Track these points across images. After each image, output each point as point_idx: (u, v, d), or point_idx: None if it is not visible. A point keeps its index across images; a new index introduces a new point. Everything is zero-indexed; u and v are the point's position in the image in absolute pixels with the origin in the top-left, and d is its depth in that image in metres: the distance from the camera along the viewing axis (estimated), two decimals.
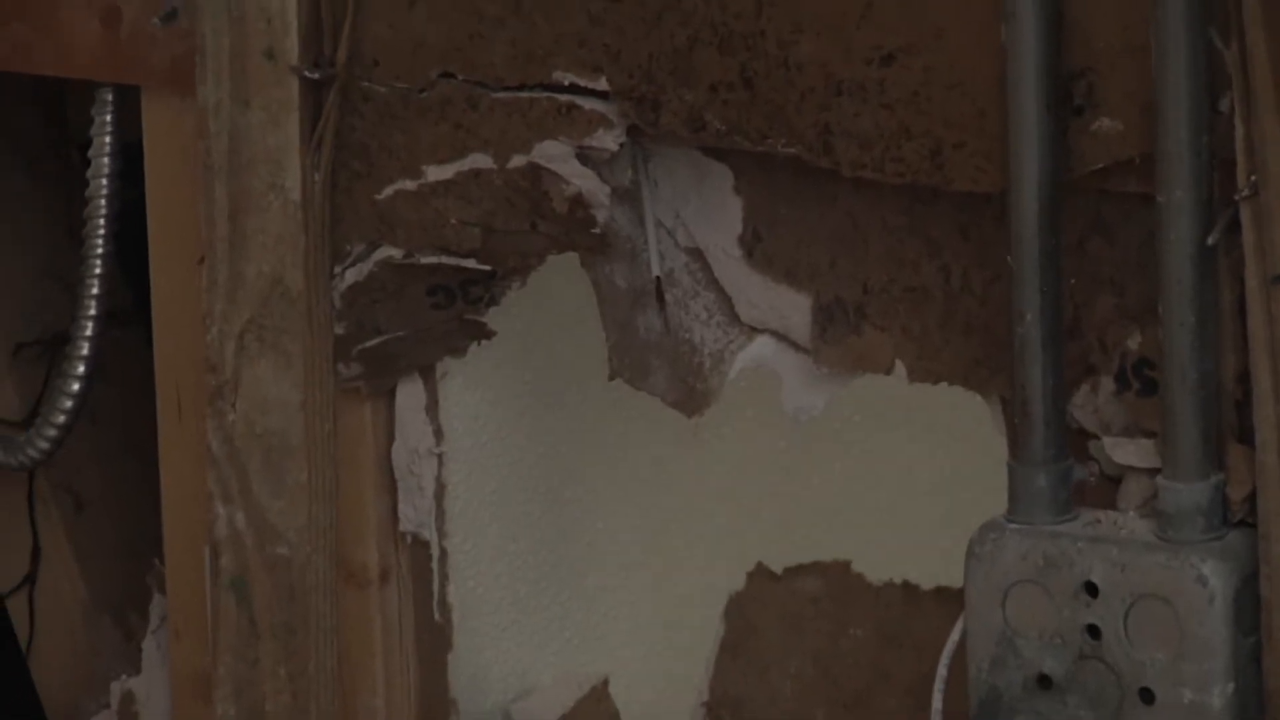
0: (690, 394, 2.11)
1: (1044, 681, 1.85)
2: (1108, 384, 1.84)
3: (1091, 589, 1.82)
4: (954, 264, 1.93)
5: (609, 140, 2.00)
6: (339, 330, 2.14)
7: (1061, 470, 1.83)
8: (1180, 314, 1.75)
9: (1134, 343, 1.83)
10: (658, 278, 2.08)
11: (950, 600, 1.96)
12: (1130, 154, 1.73)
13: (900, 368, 1.98)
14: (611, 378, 2.12)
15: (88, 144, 2.40)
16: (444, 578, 2.22)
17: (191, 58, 2.15)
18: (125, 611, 2.59)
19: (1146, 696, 1.78)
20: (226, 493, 2.22)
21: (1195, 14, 1.68)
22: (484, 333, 2.15)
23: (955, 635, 1.89)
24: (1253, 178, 1.68)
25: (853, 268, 1.99)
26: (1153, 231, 1.74)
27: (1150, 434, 1.83)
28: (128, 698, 2.54)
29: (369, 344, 2.17)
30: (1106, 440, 1.85)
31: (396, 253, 2.12)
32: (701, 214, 2.08)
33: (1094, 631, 1.80)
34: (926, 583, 2.02)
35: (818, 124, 1.89)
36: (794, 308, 2.01)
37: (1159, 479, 1.76)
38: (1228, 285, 1.74)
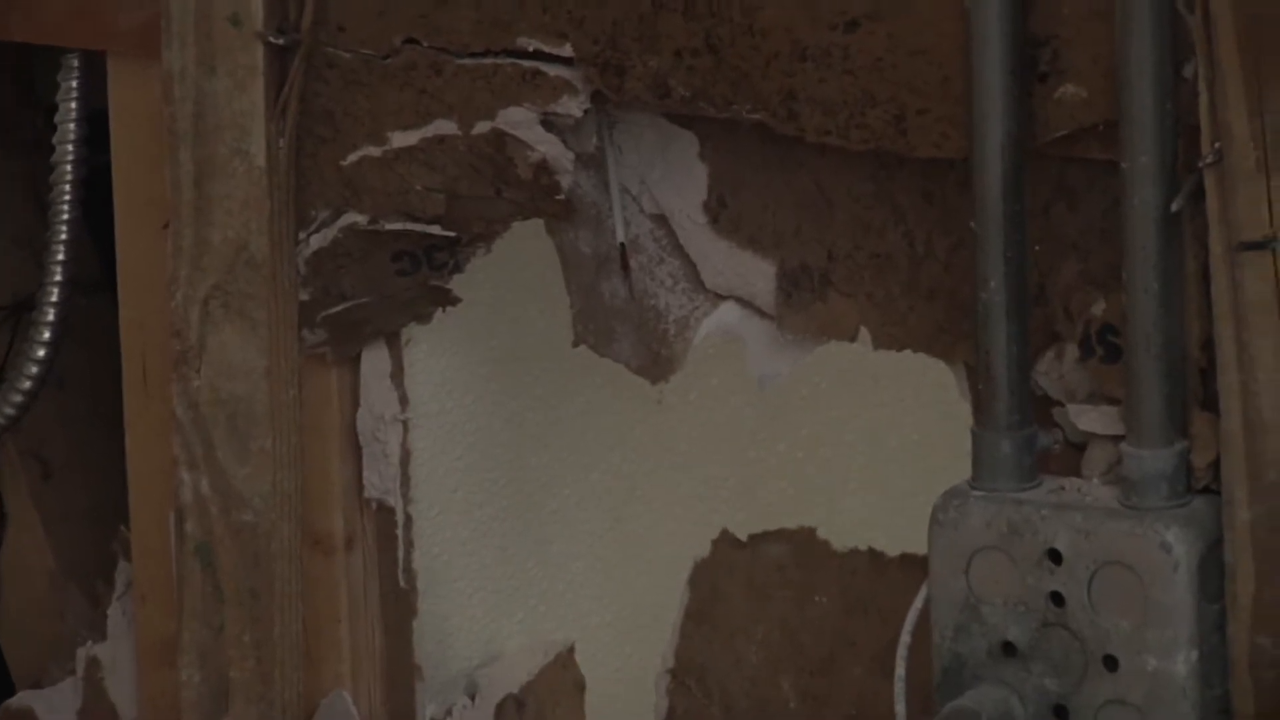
0: (655, 360, 2.12)
1: (1008, 649, 1.87)
2: (1072, 351, 1.85)
3: (1055, 556, 1.84)
4: (918, 230, 1.95)
5: (573, 106, 2.01)
6: (304, 296, 2.15)
7: (1025, 437, 1.85)
8: (1144, 281, 1.77)
9: (1098, 309, 1.84)
10: (622, 244, 2.10)
11: (914, 567, 1.96)
12: (1095, 120, 1.75)
13: (865, 334, 2.00)
14: (576, 344, 2.14)
15: (54, 110, 2.39)
16: (409, 544, 2.23)
17: (157, 23, 2.12)
18: (92, 578, 2.59)
19: (1110, 664, 1.80)
20: (191, 459, 2.22)
21: None
22: (449, 299, 2.15)
23: (919, 602, 1.91)
24: (1216, 144, 1.70)
25: (818, 234, 2.02)
26: (1117, 198, 1.76)
27: (1114, 401, 1.85)
28: (93, 664, 2.51)
29: (334, 310, 2.19)
30: (1071, 407, 1.89)
31: (361, 219, 2.13)
32: (666, 180, 2.10)
33: (1058, 599, 1.82)
34: (891, 549, 2.03)
35: (782, 90, 1.91)
36: (759, 274, 2.03)
37: (1123, 446, 1.79)
38: (1192, 252, 1.76)
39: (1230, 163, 1.76)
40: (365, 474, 2.22)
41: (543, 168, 2.07)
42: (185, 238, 2.22)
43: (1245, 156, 1.76)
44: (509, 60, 2.07)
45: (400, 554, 2.23)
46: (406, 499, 2.22)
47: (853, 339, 2.01)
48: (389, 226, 2.17)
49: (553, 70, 2.07)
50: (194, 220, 2.19)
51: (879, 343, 2.01)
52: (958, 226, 1.90)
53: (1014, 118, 1.85)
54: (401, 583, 2.25)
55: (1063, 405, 1.93)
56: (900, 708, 1.95)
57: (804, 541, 2.12)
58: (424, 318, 2.22)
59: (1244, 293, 1.78)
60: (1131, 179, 1.76)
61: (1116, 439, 1.85)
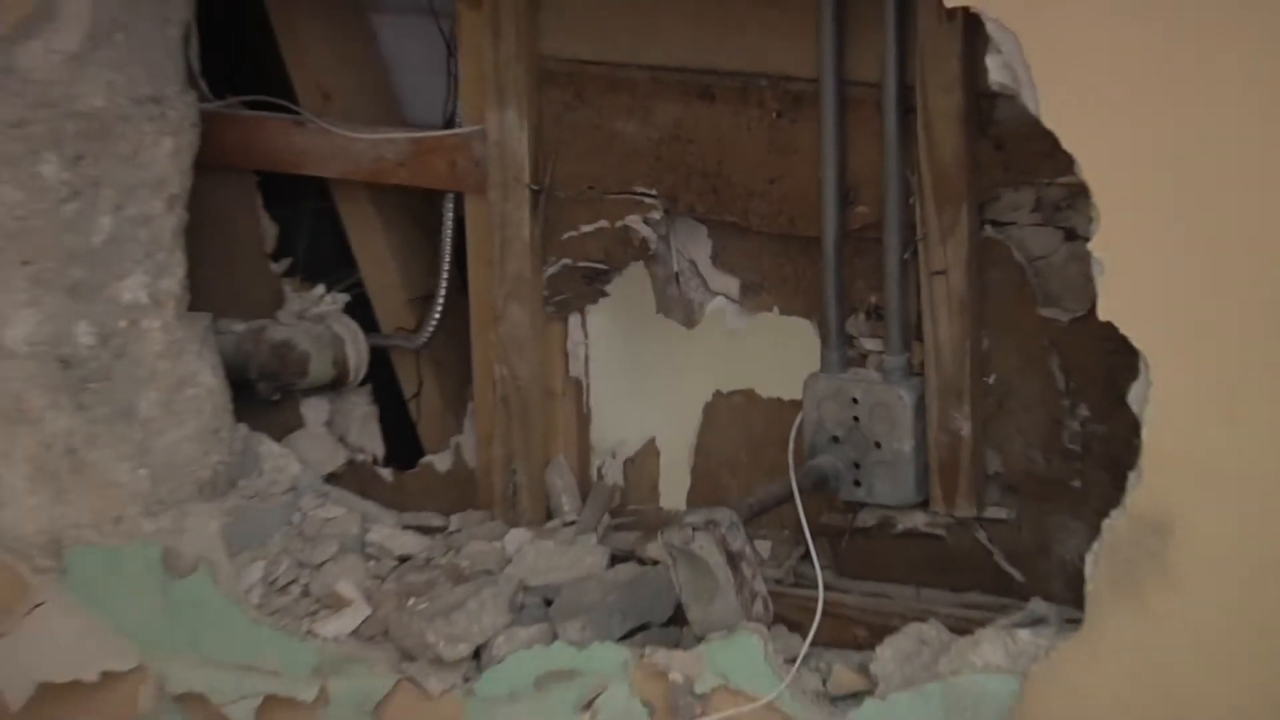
0: (688, 319, 3.02)
1: (835, 439, 2.80)
2: (862, 316, 2.83)
3: (855, 402, 2.76)
4: (799, 266, 2.89)
5: (656, 215, 2.94)
6: (545, 293, 3.07)
7: (843, 353, 2.81)
8: (892, 287, 2.73)
9: (873, 298, 2.79)
10: (676, 272, 3.02)
11: (797, 406, 2.86)
12: (872, 220, 2.70)
13: (776, 309, 2.93)
14: (657, 312, 3.05)
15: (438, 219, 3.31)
16: (587, 393, 3.18)
17: (486, 179, 3.04)
18: (459, 410, 3.39)
19: (878, 446, 2.75)
20: (500, 359, 3.10)
21: (898, 161, 2.63)
22: (604, 294, 3.08)
23: (798, 421, 2.84)
24: (923, 232, 2.66)
25: (757, 267, 2.97)
26: (882, 252, 2.73)
27: (880, 337, 2.80)
28: (458, 446, 3.36)
29: (557, 298, 3.10)
30: (861, 339, 2.82)
31: (569, 261, 3.05)
32: (693, 244, 3.00)
33: (856, 419, 2.77)
34: (786, 397, 2.94)
35: (744, 209, 2.83)
36: (732, 285, 2.96)
37: (884, 355, 2.77)
38: (913, 274, 2.72)
39: (928, 240, 2.67)
40: (570, 364, 3.12)
41: (644, 241, 2.96)
42: (499, 267, 3.09)
43: (954, 231, 2.65)
44: (629, 195, 2.96)
45: (584, 398, 3.15)
46: (586, 375, 3.13)
47: (770, 311, 2.95)
48: (580, 264, 3.06)
49: (647, 199, 2.96)
50: (501, 260, 3.07)
51: (782, 312, 2.93)
52: (815, 265, 2.83)
53: (839, 220, 2.74)
54: (585, 410, 3.20)
55: (859, 338, 2.86)
56: (790, 464, 2.82)
57: (749, 394, 3.03)
58: (594, 300, 3.11)
59: (932, 293, 2.71)
60: (887, 244, 2.67)
61: (880, 352, 2.78)
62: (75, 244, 2.88)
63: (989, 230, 2.65)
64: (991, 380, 2.71)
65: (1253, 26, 2.10)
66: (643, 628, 2.74)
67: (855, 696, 2.49)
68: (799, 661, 2.48)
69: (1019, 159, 2.60)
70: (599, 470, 3.15)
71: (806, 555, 2.73)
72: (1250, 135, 2.14)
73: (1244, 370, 2.16)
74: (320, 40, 3.33)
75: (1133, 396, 2.19)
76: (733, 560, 2.57)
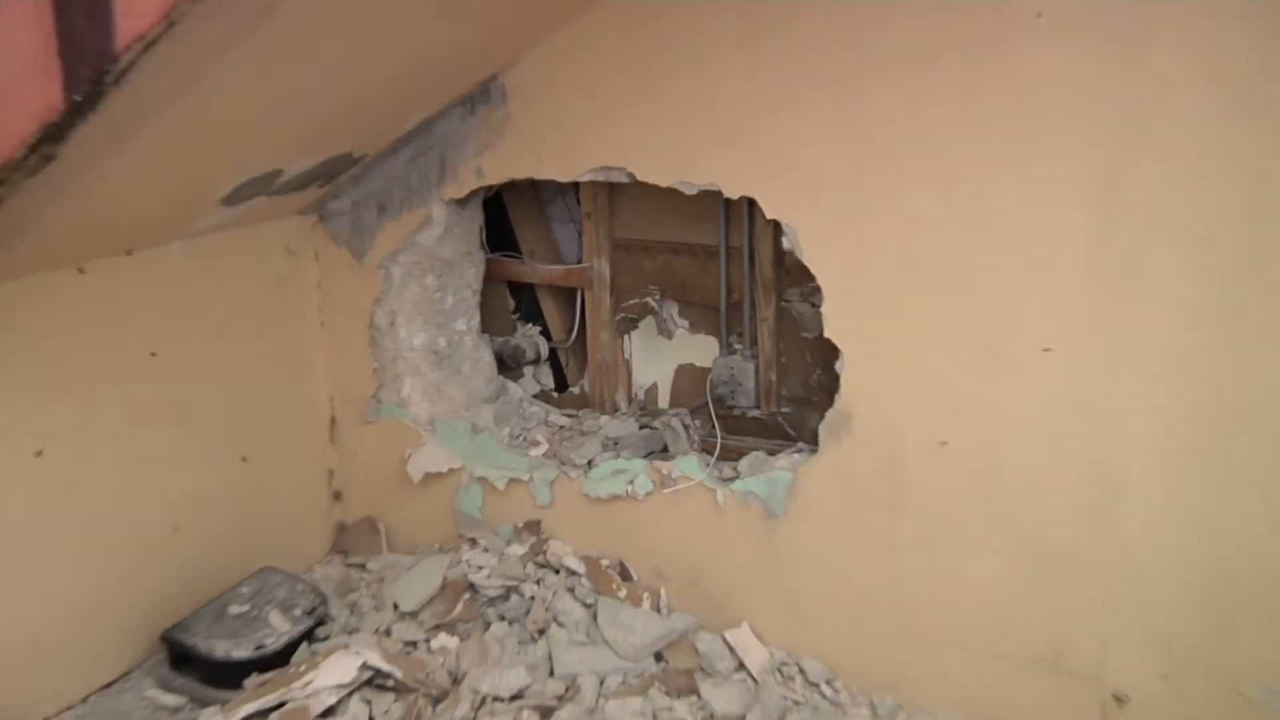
0: (668, 336, 3.35)
1: (725, 382, 3.18)
2: (735, 336, 3.14)
3: (732, 368, 3.11)
4: (711, 316, 3.23)
5: (656, 297, 3.34)
6: (615, 326, 3.32)
7: (727, 349, 3.18)
8: (747, 324, 3.03)
9: (739, 329, 3.12)
10: (664, 318, 3.39)
11: (708, 370, 3.23)
12: (738, 299, 3.05)
13: (702, 332, 3.36)
14: (659, 334, 3.33)
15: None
16: (630, 365, 3.48)
17: (593, 283, 3.22)
18: (582, 372, 3.52)
19: (740, 384, 3.12)
20: (597, 351, 3.30)
21: (749, 277, 2.91)
22: (636, 326, 3.36)
23: (710, 376, 3.23)
24: (754, 305, 2.92)
25: (695, 316, 3.29)
26: (744, 311, 3.05)
27: (741, 343, 3.17)
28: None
29: (619, 328, 3.34)
30: (734, 344, 3.17)
31: (624, 314, 3.27)
32: (670, 308, 3.38)
33: (733, 373, 3.10)
34: (705, 365, 3.34)
35: (690, 296, 3.26)
36: (685, 323, 3.38)
37: (742, 350, 3.17)
38: (755, 320, 3.03)
39: (759, 306, 2.98)
40: (624, 352, 3.43)
41: (651, 307, 3.34)
42: (597, 316, 3.37)
43: (769, 304, 3.01)
44: (646, 290, 3.33)
45: (630, 367, 3.43)
46: (630, 357, 3.47)
47: (700, 333, 3.35)
48: (629, 315, 3.31)
49: (654, 291, 3.35)
50: (597, 313, 3.33)
51: (705, 334, 3.35)
52: (716, 315, 3.12)
53: (726, 299, 3.08)
54: (629, 372, 3.42)
55: (733, 344, 3.24)
56: (707, 391, 3.27)
57: (692, 365, 3.40)
58: (634, 328, 3.43)
59: (761, 327, 3.07)
60: (745, 308, 2.99)
61: (741, 349, 3.18)
62: (439, 308, 3.41)
63: (783, 304, 3.21)
64: (784, 360, 3.25)
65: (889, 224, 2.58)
66: (653, 453, 3.24)
67: (732, 479, 2.98)
68: (710, 465, 3.01)
69: (794, 276, 3.13)
70: (636, 394, 3.61)
71: (714, 425, 3.31)
72: (886, 270, 2.64)
73: (882, 352, 2.68)
74: (529, 226, 3.65)
75: (838, 365, 2.70)
76: (686, 428, 3.30)
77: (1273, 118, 2.17)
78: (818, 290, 2.71)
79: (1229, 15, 2.14)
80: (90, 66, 1.92)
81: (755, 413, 3.21)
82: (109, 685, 2.68)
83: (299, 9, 2.11)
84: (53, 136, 2.00)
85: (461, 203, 3.19)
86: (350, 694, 2.53)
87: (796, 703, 2.69)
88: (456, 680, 2.67)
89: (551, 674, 2.73)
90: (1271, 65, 2.12)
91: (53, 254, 2.43)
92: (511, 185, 3.26)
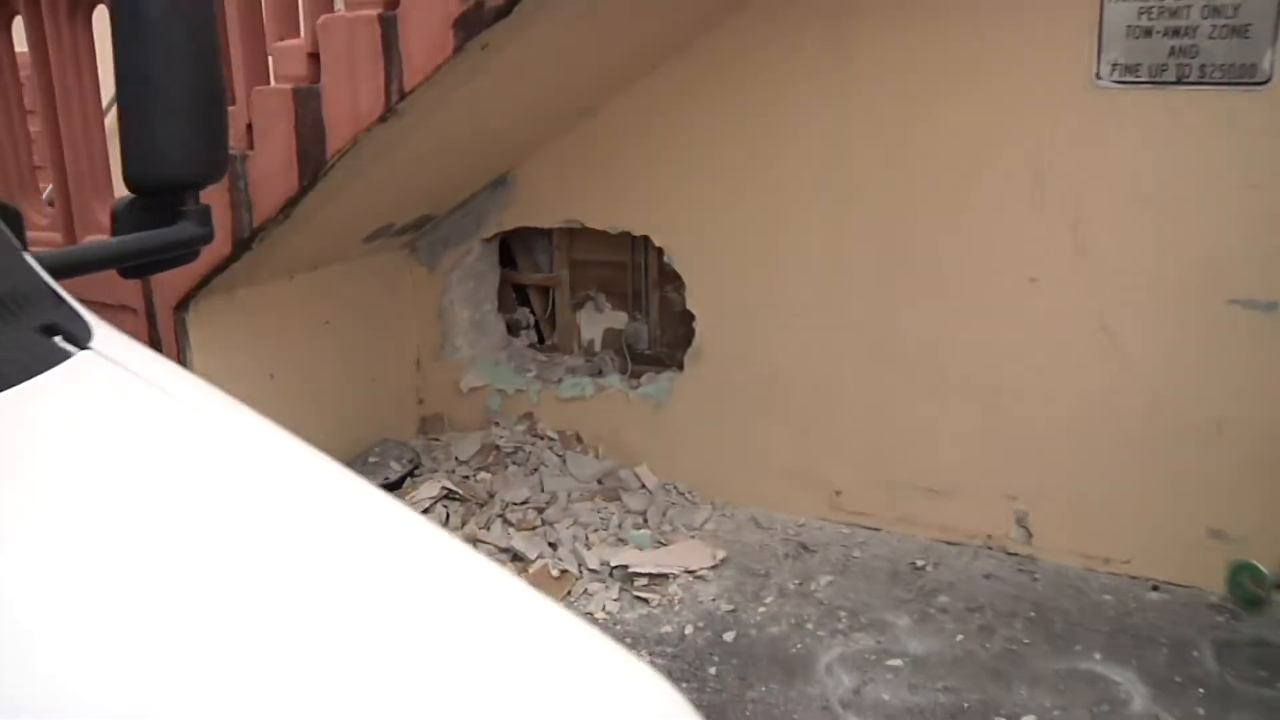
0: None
1: (629, 335, 3.60)
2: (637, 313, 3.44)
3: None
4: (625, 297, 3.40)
5: (594, 294, 3.49)
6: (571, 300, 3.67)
7: (634, 317, 3.40)
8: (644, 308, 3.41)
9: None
10: (591, 296, 3.61)
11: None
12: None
13: (610, 307, 3.55)
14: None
15: None
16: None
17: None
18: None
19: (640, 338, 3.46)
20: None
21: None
22: (584, 305, 3.71)
23: (624, 333, 3.52)
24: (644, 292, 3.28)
25: (620, 303, 3.47)
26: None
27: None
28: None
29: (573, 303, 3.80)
30: (637, 316, 3.54)
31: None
32: (602, 295, 3.57)
33: (637, 333, 3.59)
34: (621, 327, 3.57)
35: (619, 286, 3.40)
36: (604, 297, 3.58)
37: (638, 320, 3.43)
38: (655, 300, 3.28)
39: (648, 293, 3.32)
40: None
41: (591, 297, 3.64)
42: (564, 292, 3.63)
43: (656, 292, 3.20)
44: (586, 292, 3.73)
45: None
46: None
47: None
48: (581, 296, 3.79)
49: (591, 293, 3.59)
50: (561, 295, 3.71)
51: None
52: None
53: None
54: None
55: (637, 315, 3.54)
56: (623, 343, 3.51)
57: (614, 329, 3.61)
58: (583, 306, 3.90)
59: (663, 301, 3.36)
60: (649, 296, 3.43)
61: (638, 319, 3.52)
62: (475, 297, 3.62)
63: (664, 293, 3.47)
64: (664, 323, 3.53)
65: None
66: (592, 375, 3.50)
67: (637, 387, 3.33)
68: (624, 379, 3.41)
69: (669, 277, 3.35)
70: (584, 344, 3.74)
71: (626, 359, 3.58)
72: (720, 275, 2.96)
73: (718, 317, 3.07)
74: (524, 252, 3.68)
75: (695, 325, 3.11)
76: (610, 361, 3.58)
77: None
78: (683, 285, 3.20)
79: None
80: (313, 166, 2.47)
81: (648, 352, 3.56)
82: None
83: (424, 139, 2.60)
84: (291, 204, 2.56)
85: (488, 240, 3.51)
86: (435, 503, 3.05)
87: (672, 503, 3.19)
88: (491, 495, 3.13)
89: (542, 490, 3.17)
90: None
91: (272, 270, 2.91)
92: (516, 230, 3.47)
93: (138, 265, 1.15)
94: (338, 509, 0.76)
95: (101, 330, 0.89)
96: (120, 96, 1.06)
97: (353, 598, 0.65)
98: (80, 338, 0.86)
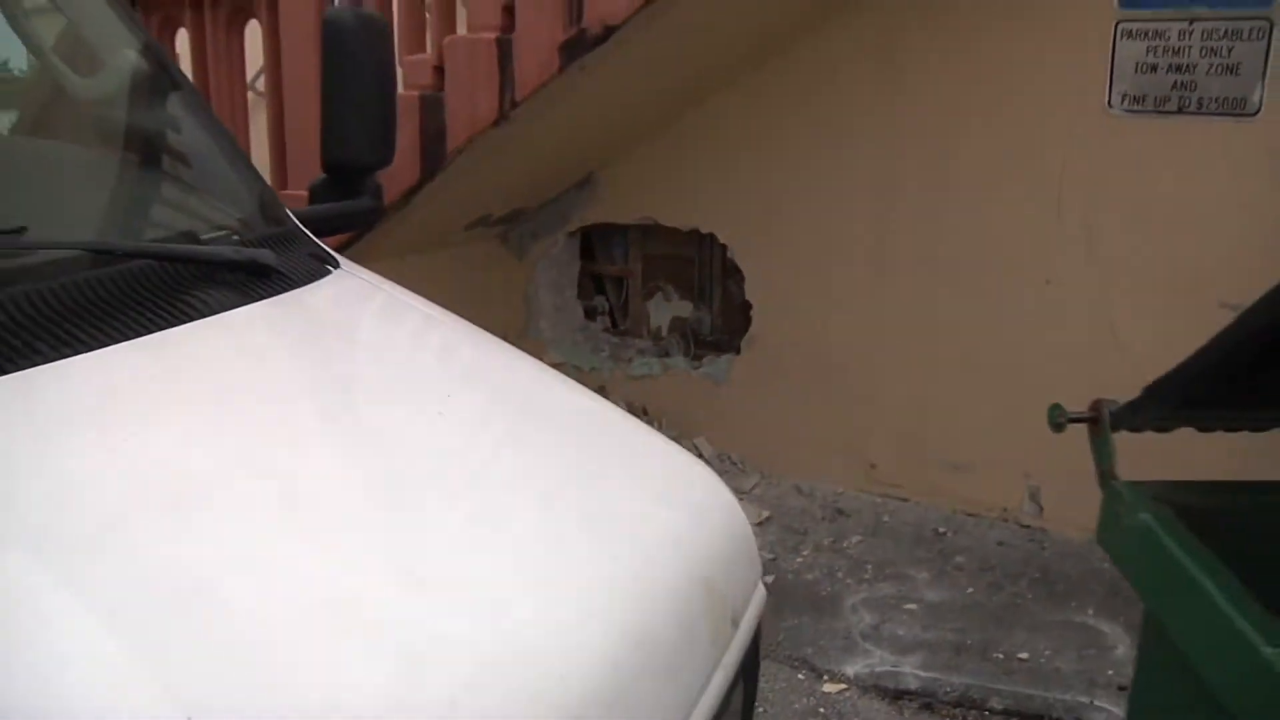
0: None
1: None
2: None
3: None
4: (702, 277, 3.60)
5: (662, 286, 3.71)
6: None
7: (698, 307, 3.51)
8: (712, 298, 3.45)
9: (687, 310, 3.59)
10: (668, 293, 3.99)
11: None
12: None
13: (677, 297, 3.71)
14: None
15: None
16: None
17: None
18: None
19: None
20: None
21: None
22: (653, 296, 3.88)
23: (689, 320, 3.55)
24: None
25: (686, 294, 3.62)
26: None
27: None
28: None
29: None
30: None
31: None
32: (670, 287, 3.74)
33: (700, 320, 3.65)
34: (686, 315, 3.71)
35: (685, 279, 3.59)
36: (671, 288, 3.69)
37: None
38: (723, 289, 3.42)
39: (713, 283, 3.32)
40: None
41: (660, 288, 3.73)
42: (635, 283, 3.80)
43: (719, 285, 3.28)
44: (656, 283, 3.86)
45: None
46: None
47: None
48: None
49: (659, 284, 3.75)
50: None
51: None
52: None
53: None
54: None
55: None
56: (688, 329, 3.57)
57: (680, 317, 3.74)
58: (652, 297, 3.94)
59: (725, 292, 3.40)
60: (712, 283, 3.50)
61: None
62: (557, 285, 3.84)
63: (726, 286, 3.57)
64: (725, 313, 3.61)
65: None
66: (661, 355, 3.62)
67: (699, 367, 3.39)
68: (688, 360, 3.57)
69: (730, 272, 3.47)
70: (653, 329, 3.88)
71: (690, 344, 3.69)
72: (774, 274, 3.11)
73: (773, 308, 3.20)
74: (601, 246, 3.76)
75: (752, 314, 3.29)
76: (677, 345, 3.68)
77: None
78: (743, 279, 3.38)
79: None
80: (433, 162, 2.75)
81: (710, 338, 3.73)
82: None
83: (524, 143, 2.77)
84: (412, 191, 2.84)
85: (572, 234, 3.69)
86: None
87: (725, 471, 3.34)
88: None
89: None
90: None
91: (390, 248, 3.04)
92: (596, 225, 3.63)
93: (330, 227, 1.41)
94: (529, 366, 1.21)
95: (343, 260, 1.29)
96: (323, 100, 1.35)
97: (559, 414, 1.14)
98: (332, 263, 1.24)
